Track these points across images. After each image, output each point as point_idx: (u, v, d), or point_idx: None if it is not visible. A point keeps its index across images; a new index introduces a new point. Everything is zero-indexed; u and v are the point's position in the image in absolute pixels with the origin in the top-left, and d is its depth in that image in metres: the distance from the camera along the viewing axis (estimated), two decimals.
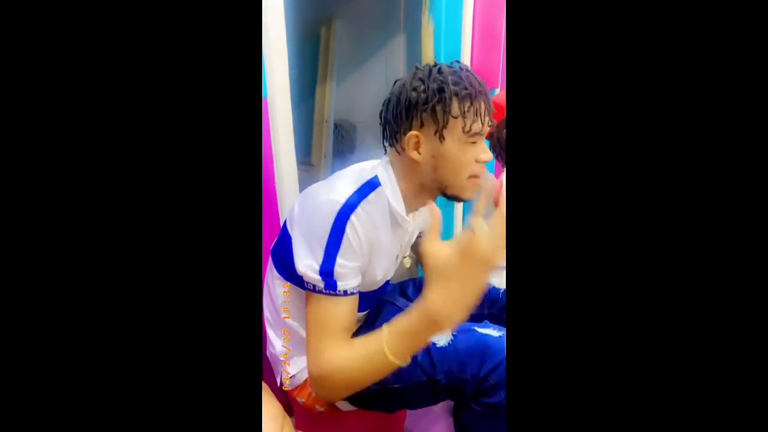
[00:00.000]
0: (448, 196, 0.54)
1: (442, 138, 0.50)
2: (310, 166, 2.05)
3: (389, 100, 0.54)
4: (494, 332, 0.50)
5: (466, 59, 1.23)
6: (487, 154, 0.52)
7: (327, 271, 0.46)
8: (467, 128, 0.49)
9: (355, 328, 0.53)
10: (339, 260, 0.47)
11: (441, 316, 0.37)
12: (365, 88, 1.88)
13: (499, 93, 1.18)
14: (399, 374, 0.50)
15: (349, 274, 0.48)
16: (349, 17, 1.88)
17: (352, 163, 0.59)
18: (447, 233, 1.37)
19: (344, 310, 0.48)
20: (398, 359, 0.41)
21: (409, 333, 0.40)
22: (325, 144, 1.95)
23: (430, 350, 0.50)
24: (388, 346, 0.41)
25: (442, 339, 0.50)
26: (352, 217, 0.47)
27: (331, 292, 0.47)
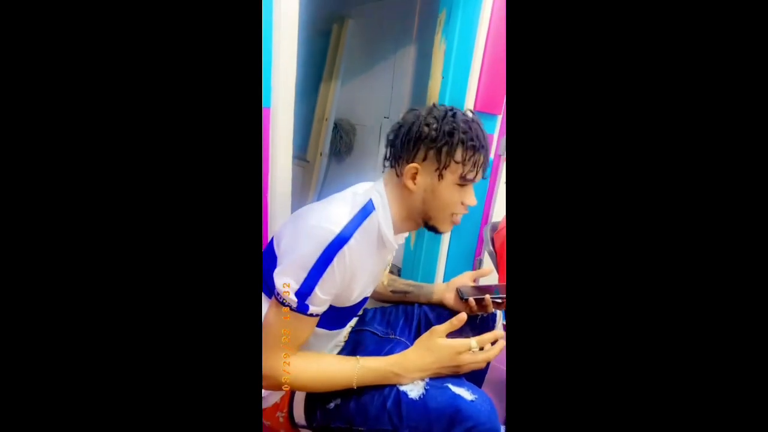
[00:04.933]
0: (429, 226, 0.58)
1: (441, 177, 0.53)
2: (304, 162, 2.03)
3: (401, 126, 0.56)
4: (468, 394, 0.50)
5: (473, 83, 1.25)
6: (472, 200, 0.56)
7: (303, 293, 0.48)
8: (464, 174, 0.53)
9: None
10: (317, 289, 0.48)
11: (407, 373, 0.51)
12: (370, 92, 1.87)
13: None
14: (366, 416, 0.52)
15: (322, 302, 0.50)
16: (362, 19, 1.88)
17: (348, 164, 0.62)
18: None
19: (307, 329, 0.52)
20: (359, 385, 0.52)
21: (378, 373, 0.52)
22: (323, 142, 1.94)
23: (400, 400, 0.51)
24: (357, 377, 0.51)
25: (414, 390, 0.51)
26: (345, 248, 0.48)
27: (300, 312, 0.49)
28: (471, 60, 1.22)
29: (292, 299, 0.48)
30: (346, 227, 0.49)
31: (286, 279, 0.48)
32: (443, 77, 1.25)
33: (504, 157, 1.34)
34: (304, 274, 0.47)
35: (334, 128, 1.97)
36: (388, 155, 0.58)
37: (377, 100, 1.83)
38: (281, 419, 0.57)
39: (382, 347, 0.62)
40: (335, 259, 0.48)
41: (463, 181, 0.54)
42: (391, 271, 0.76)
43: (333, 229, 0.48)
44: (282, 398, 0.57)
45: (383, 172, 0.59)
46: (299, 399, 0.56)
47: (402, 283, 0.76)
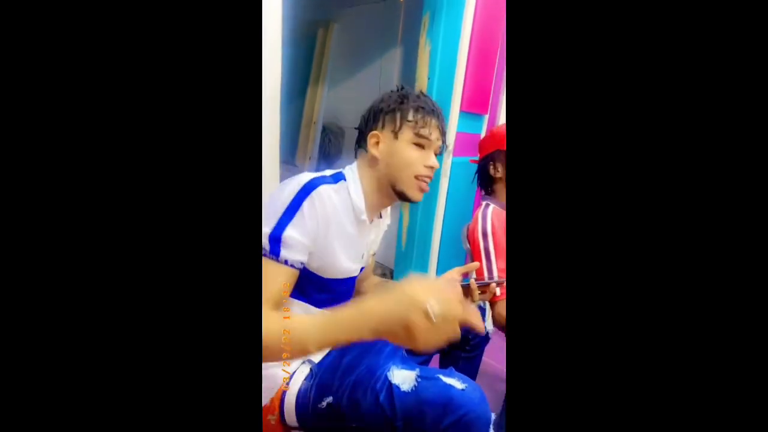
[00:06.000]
0: (397, 192, 0.61)
1: (397, 137, 0.60)
2: (293, 167, 2.02)
3: (364, 116, 0.65)
4: (458, 384, 0.51)
5: (459, 83, 1.27)
6: (433, 161, 0.61)
7: (275, 236, 0.50)
8: (416, 131, 0.59)
9: (285, 299, 0.55)
10: (289, 230, 0.51)
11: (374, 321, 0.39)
12: (357, 94, 1.88)
13: (499, 126, 1.24)
14: (359, 412, 0.52)
15: (295, 247, 0.51)
16: (347, 23, 1.89)
17: (338, 167, 0.66)
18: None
19: (279, 278, 0.51)
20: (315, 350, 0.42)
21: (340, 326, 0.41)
22: (311, 146, 1.94)
23: (392, 393, 0.51)
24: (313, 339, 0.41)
25: (405, 383, 0.51)
26: (314, 193, 0.52)
27: (273, 257, 0.50)
28: (456, 61, 1.24)
29: (266, 243, 0.50)
30: (314, 179, 0.55)
31: (264, 228, 0.51)
32: (429, 78, 1.26)
33: None
34: (275, 220, 0.51)
35: (322, 132, 1.97)
36: (358, 140, 0.65)
37: (365, 102, 1.83)
38: (272, 422, 0.57)
39: (371, 347, 0.63)
40: (305, 202, 0.52)
41: (418, 139, 0.59)
42: (383, 274, 0.76)
43: (302, 180, 0.53)
44: (272, 400, 0.57)
45: (356, 158, 0.66)
46: (290, 400, 0.56)
47: (392, 283, 0.77)
